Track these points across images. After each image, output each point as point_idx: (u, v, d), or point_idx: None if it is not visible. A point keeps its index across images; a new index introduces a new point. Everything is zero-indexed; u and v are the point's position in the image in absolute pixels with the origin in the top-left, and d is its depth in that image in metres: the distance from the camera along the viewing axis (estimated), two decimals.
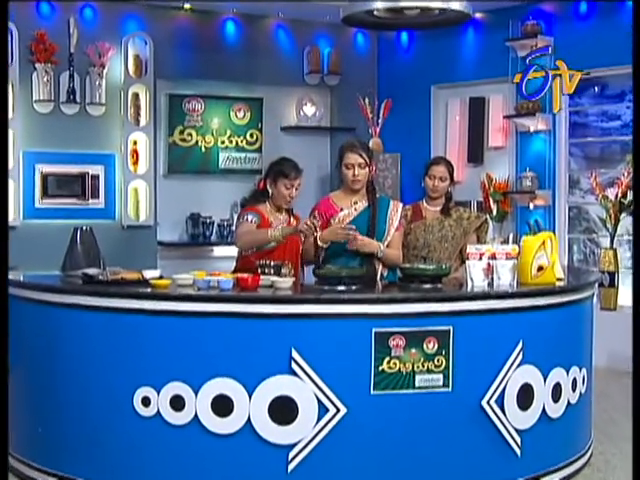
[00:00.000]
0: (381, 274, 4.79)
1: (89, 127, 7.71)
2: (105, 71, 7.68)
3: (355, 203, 4.85)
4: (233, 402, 3.84)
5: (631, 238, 7.14)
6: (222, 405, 3.84)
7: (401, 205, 4.99)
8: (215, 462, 3.89)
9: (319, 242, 4.63)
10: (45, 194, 7.57)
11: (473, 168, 8.38)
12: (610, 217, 7.27)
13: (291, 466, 3.85)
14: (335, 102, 9.07)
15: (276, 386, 3.83)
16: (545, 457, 4.28)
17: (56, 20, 7.57)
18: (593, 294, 4.79)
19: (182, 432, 3.88)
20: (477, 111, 8.34)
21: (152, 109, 7.95)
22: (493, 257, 4.28)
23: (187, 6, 8.11)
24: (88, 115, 7.70)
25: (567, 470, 4.41)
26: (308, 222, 4.58)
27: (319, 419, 3.84)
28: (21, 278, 4.50)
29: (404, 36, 8.84)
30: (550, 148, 7.84)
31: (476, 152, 8.35)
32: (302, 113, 8.90)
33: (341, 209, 4.84)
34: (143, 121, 7.93)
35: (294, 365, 3.82)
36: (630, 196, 7.06)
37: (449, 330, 3.96)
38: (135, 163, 7.93)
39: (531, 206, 7.85)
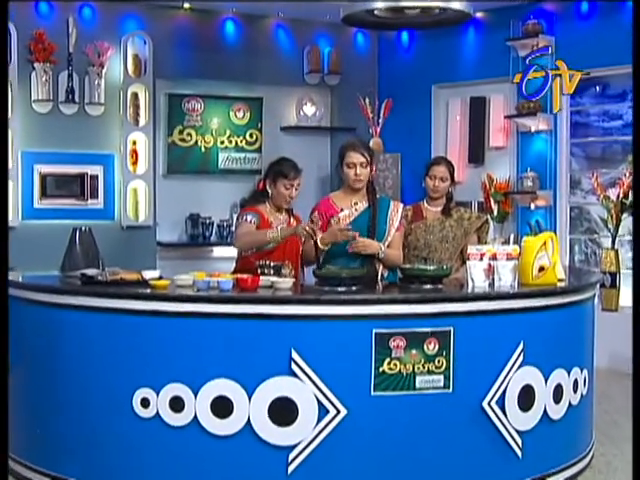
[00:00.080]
0: (381, 275, 4.78)
1: (88, 127, 7.69)
2: (104, 71, 7.66)
3: (355, 204, 4.83)
4: (233, 403, 3.82)
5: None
6: (222, 406, 3.82)
7: (401, 205, 4.98)
8: (215, 464, 3.87)
9: (320, 245, 4.61)
10: (44, 194, 7.55)
11: (474, 168, 8.37)
12: (611, 217, 7.25)
13: (291, 468, 3.83)
14: (335, 102, 9.05)
15: (276, 387, 3.81)
16: (546, 459, 4.27)
17: (55, 19, 7.55)
18: (594, 295, 4.78)
19: (181, 433, 3.87)
20: (478, 111, 8.33)
21: (151, 109, 7.93)
22: (494, 258, 4.27)
23: (186, 5, 8.10)
24: (87, 115, 7.68)
25: (568, 472, 4.40)
26: (307, 228, 4.57)
27: (319, 420, 3.82)
28: (20, 279, 4.49)
29: (404, 36, 8.82)
30: (551, 148, 7.82)
31: (477, 152, 8.33)
32: (302, 113, 8.88)
33: (341, 209, 4.82)
34: (142, 121, 7.91)
35: (294, 366, 3.80)
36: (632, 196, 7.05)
37: (450, 331, 3.95)
38: (134, 163, 7.91)
39: (532, 206, 7.83)
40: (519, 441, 4.12)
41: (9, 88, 7.08)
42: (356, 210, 4.82)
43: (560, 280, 4.43)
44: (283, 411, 3.81)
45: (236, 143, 8.58)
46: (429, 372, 3.92)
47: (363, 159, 4.75)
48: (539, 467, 4.23)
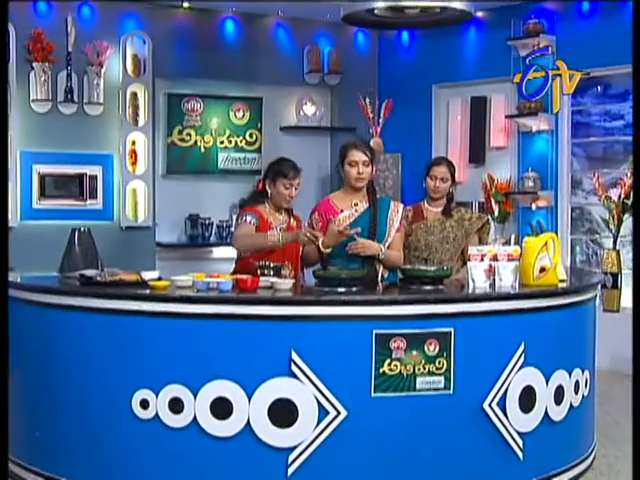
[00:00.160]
0: (382, 275, 4.76)
1: (87, 127, 7.67)
2: (103, 70, 7.64)
3: (355, 204, 4.81)
4: (232, 405, 3.81)
5: None
6: (221, 408, 3.81)
7: (402, 206, 4.96)
8: (214, 465, 3.86)
9: (322, 249, 4.59)
10: (42, 195, 7.52)
11: (475, 168, 8.35)
12: (613, 218, 7.24)
13: (291, 469, 3.82)
14: (335, 102, 9.04)
15: (276, 388, 3.80)
16: (547, 460, 4.25)
17: (53, 19, 7.53)
18: (596, 295, 4.77)
19: (181, 435, 3.85)
20: (479, 111, 8.31)
21: (151, 109, 7.91)
22: (495, 258, 4.26)
23: (186, 5, 8.08)
24: (86, 115, 7.66)
25: (570, 473, 4.38)
26: (308, 234, 4.55)
27: (319, 422, 3.81)
28: (18, 279, 4.47)
29: (405, 35, 8.81)
30: (552, 148, 7.80)
31: (478, 152, 8.31)
32: (302, 113, 8.87)
33: (341, 210, 4.80)
34: (141, 121, 7.89)
35: (294, 367, 3.79)
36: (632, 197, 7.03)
37: (450, 332, 3.93)
38: (133, 163, 7.89)
39: (533, 207, 7.82)
40: (520, 443, 4.10)
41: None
42: (356, 211, 4.80)
43: (561, 281, 4.42)
44: (283, 412, 3.80)
45: (236, 143, 8.56)
46: (430, 373, 3.91)
47: (365, 158, 4.73)
48: (540, 469, 4.21)
